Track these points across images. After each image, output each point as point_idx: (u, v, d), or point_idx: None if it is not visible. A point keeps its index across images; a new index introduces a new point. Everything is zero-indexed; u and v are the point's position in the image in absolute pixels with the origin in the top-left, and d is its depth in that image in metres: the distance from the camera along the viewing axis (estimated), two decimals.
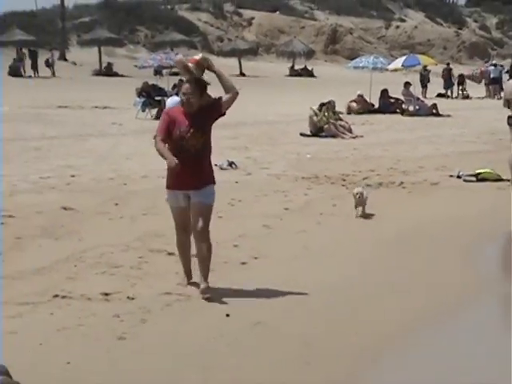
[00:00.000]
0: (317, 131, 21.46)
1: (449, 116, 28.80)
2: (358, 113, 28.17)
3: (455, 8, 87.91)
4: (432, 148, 19.11)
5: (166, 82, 27.81)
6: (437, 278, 8.14)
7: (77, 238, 9.31)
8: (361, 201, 10.88)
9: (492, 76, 41.77)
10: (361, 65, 34.45)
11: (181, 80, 22.68)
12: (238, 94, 7.23)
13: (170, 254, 8.40)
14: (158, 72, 37.30)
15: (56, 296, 7.06)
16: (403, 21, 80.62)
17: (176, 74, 32.69)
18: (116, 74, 51.79)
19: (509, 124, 10.57)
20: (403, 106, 29.91)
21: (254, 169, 15.12)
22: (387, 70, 34.34)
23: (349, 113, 27.88)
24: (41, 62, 50.16)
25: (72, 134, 20.53)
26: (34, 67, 49.82)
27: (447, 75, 42.04)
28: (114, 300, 7.04)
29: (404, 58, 34.23)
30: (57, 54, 55.70)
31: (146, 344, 6.05)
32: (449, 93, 41.71)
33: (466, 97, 41.36)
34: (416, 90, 32.04)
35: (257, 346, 6.09)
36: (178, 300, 7.08)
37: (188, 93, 7.09)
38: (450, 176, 14.52)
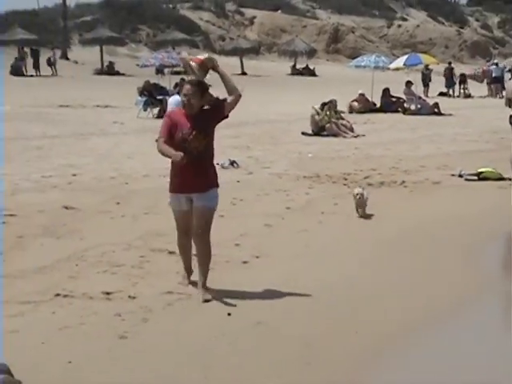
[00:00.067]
0: (318, 130, 21.45)
1: (450, 115, 28.79)
2: (360, 112, 28.15)
3: (457, 7, 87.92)
4: (434, 147, 19.10)
5: (167, 81, 27.81)
6: (438, 278, 8.14)
7: (78, 237, 9.31)
8: (361, 201, 10.85)
9: (494, 75, 41.74)
10: (362, 64, 34.45)
11: (182, 79, 22.67)
12: (240, 96, 7.19)
13: (171, 253, 8.40)
14: (159, 71, 37.33)
15: (58, 295, 7.06)
16: (405, 20, 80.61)
17: (178, 72, 32.75)
18: (118, 73, 51.78)
19: (511, 123, 10.58)
20: (405, 105, 29.89)
21: (256, 168, 15.12)
22: (389, 69, 34.33)
23: (350, 112, 27.87)
24: (42, 61, 50.14)
25: (73, 133, 20.54)
26: (36, 66, 49.80)
27: (449, 74, 42.02)
28: (116, 299, 7.05)
29: (406, 56, 34.21)
30: (58, 52, 55.70)
31: (148, 343, 6.05)
32: (450, 92, 41.69)
33: (468, 96, 41.34)
34: (418, 89, 32.03)
35: (258, 345, 6.10)
36: (180, 299, 7.08)
37: (189, 94, 7.05)
38: (451, 175, 14.51)
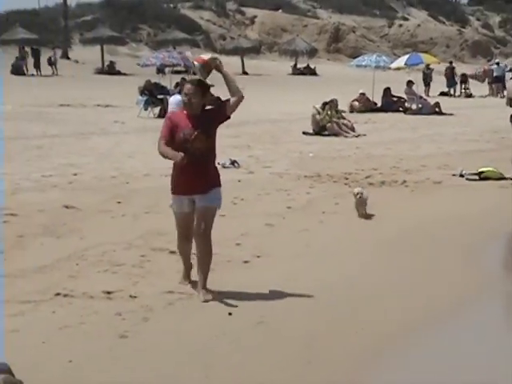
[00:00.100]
0: (319, 130, 21.45)
1: (451, 115, 28.78)
2: (361, 111, 28.15)
3: (458, 6, 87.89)
4: (435, 147, 19.09)
5: (168, 81, 27.79)
6: (438, 278, 8.13)
7: (79, 237, 9.31)
8: (361, 201, 10.81)
9: (495, 75, 41.74)
10: (363, 63, 34.43)
11: (183, 78, 22.68)
12: (243, 98, 7.14)
13: (172, 252, 8.39)
14: (160, 70, 37.34)
15: (58, 294, 7.06)
16: (406, 19, 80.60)
17: (178, 72, 32.79)
18: (118, 73, 51.78)
19: None
20: (406, 104, 29.90)
21: (257, 167, 15.12)
22: (390, 68, 34.31)
23: (351, 111, 27.87)
24: (43, 60, 50.16)
25: (74, 133, 20.53)
26: (37, 66, 49.82)
27: (450, 74, 42.01)
28: (116, 298, 7.04)
29: (407, 56, 34.18)
30: (59, 52, 55.71)
31: (148, 342, 6.04)
32: (451, 91, 41.68)
33: (469, 95, 41.33)
34: (419, 88, 32.02)
35: (259, 344, 6.09)
36: (180, 298, 7.08)
37: (189, 93, 6.99)
38: (452, 175, 14.51)
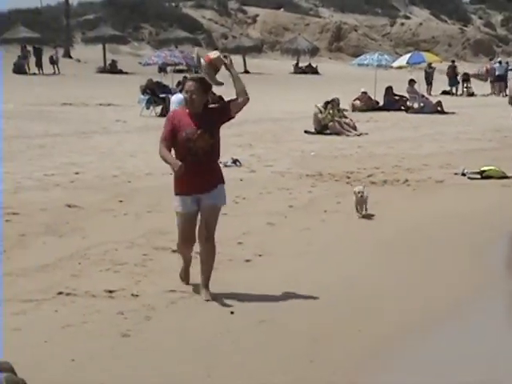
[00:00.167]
0: (321, 129, 21.45)
1: (453, 113, 28.77)
2: (362, 110, 28.14)
3: (460, 5, 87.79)
4: (436, 146, 19.08)
5: (170, 80, 27.80)
6: (438, 279, 8.13)
7: (81, 236, 9.31)
8: (362, 200, 10.71)
9: (497, 73, 41.71)
10: (365, 62, 34.43)
11: (185, 77, 22.68)
12: (248, 100, 7.05)
13: (174, 251, 8.36)
14: (162, 69, 37.32)
15: (60, 293, 7.06)
16: (408, 18, 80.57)
17: (180, 71, 32.78)
18: (120, 72, 51.79)
19: None
20: (408, 103, 29.89)
21: (259, 166, 15.12)
22: (392, 67, 34.30)
23: (353, 110, 27.86)
24: (45, 59, 50.19)
25: (76, 132, 20.54)
26: (39, 64, 49.86)
27: (452, 73, 41.98)
28: (119, 297, 7.04)
29: (409, 55, 34.17)
30: (61, 51, 55.73)
31: (151, 341, 6.05)
32: (453, 90, 41.65)
33: (471, 94, 41.30)
34: (421, 87, 32.00)
35: (261, 343, 6.09)
36: (183, 297, 7.08)
37: (190, 90, 6.92)
38: (454, 174, 14.50)
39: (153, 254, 8.52)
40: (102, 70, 52.54)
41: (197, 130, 6.90)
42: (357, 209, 10.80)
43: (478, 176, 14.11)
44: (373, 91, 29.92)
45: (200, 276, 7.14)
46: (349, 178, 13.95)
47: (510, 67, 43.24)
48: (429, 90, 38.93)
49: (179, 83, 23.38)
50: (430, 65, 39.80)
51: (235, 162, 14.94)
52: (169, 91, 25.88)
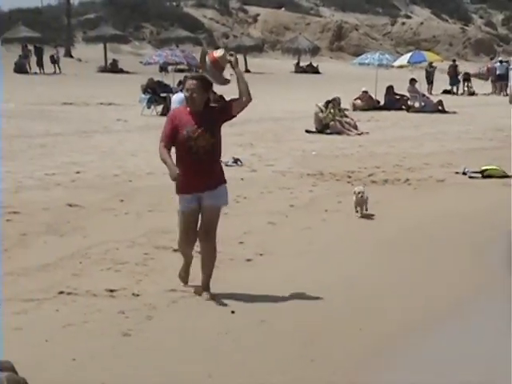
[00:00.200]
0: (322, 128, 21.45)
1: (454, 113, 28.76)
2: (363, 109, 28.14)
3: (461, 4, 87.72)
4: (437, 145, 19.09)
5: (171, 79, 27.81)
6: (439, 278, 8.13)
7: (82, 235, 9.31)
8: (362, 200, 10.67)
9: (498, 73, 41.67)
10: (366, 61, 34.43)
11: (186, 77, 22.68)
12: (251, 100, 6.99)
13: (175, 250, 8.35)
14: (163, 69, 37.35)
15: (61, 292, 7.06)
16: (409, 17, 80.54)
17: (181, 70, 32.79)
18: (121, 71, 51.78)
19: None
20: (409, 102, 29.87)
21: (259, 166, 15.12)
22: (393, 66, 34.30)
23: (354, 109, 27.86)
24: (46, 58, 50.19)
25: (77, 131, 20.54)
26: (40, 64, 49.86)
27: (453, 72, 41.96)
28: (120, 296, 7.04)
29: (410, 54, 34.17)
30: (62, 50, 55.73)
31: (152, 340, 6.05)
32: (454, 89, 41.63)
33: (472, 93, 41.29)
34: (422, 86, 31.98)
35: (262, 342, 6.09)
36: (184, 297, 7.07)
37: (191, 88, 6.89)
38: (455, 173, 14.51)
39: (154, 254, 8.52)
40: (103, 70, 52.52)
41: (197, 129, 6.87)
42: (356, 209, 10.76)
43: (479, 175, 14.11)
44: (374, 90, 29.91)
45: (201, 275, 7.14)
46: (350, 177, 13.96)
47: (510, 66, 43.19)
48: (430, 90, 38.92)
49: (180, 82, 23.36)
50: (430, 64, 39.78)
51: (236, 161, 14.95)
52: (170, 90, 25.89)
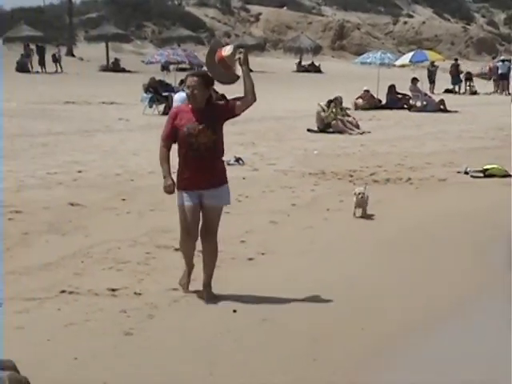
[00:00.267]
0: (324, 127, 21.45)
1: (456, 112, 28.75)
2: (365, 108, 28.13)
3: (463, 3, 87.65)
4: (439, 144, 19.08)
5: (173, 78, 27.81)
6: (440, 277, 8.13)
7: (84, 234, 9.32)
8: (362, 201, 10.60)
9: (500, 72, 41.65)
10: (368, 60, 34.44)
11: (188, 75, 22.68)
12: (255, 100, 6.90)
13: (177, 249, 8.35)
14: (165, 68, 37.38)
15: (63, 292, 7.06)
16: (411, 16, 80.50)
17: (183, 69, 32.79)
18: (123, 70, 51.80)
19: None
20: (411, 101, 29.87)
21: (261, 165, 15.12)
22: (394, 65, 34.31)
23: (356, 109, 27.85)
24: (48, 57, 50.21)
25: (79, 130, 20.55)
26: (42, 63, 49.87)
27: (455, 71, 41.94)
28: (121, 296, 7.04)
29: (411, 53, 34.19)
30: (63, 49, 55.75)
31: (153, 340, 6.05)
32: (456, 89, 41.61)
33: (474, 92, 41.27)
34: (424, 85, 31.98)
35: (264, 342, 6.09)
36: (185, 296, 7.08)
37: (192, 85, 6.86)
38: (457, 172, 14.50)
39: (155, 253, 8.52)
40: (105, 69, 52.52)
41: (198, 125, 6.84)
42: (356, 210, 10.64)
43: (481, 174, 14.11)
44: (376, 89, 29.91)
45: (202, 274, 7.14)
46: (351, 176, 13.95)
47: None
48: (432, 89, 38.91)
49: (182, 82, 23.34)
50: (432, 63, 39.77)
51: (238, 160, 14.95)
52: (171, 90, 25.90)
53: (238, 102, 6.93)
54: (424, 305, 7.15)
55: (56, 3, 69.08)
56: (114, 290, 7.16)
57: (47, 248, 8.68)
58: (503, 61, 43.43)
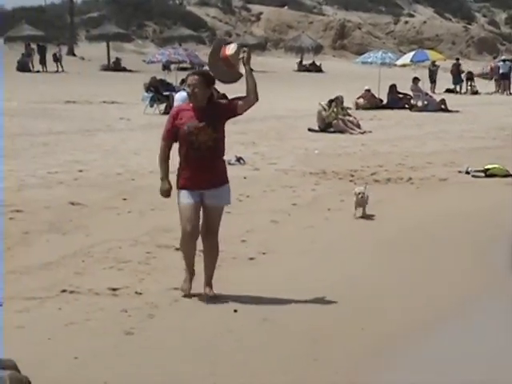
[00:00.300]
0: (325, 127, 21.44)
1: (457, 112, 28.73)
2: (366, 108, 28.12)
3: (464, 3, 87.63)
4: (440, 144, 19.07)
5: (174, 77, 27.81)
6: (441, 277, 8.13)
7: (84, 233, 9.32)
8: (362, 201, 10.55)
9: (501, 71, 41.62)
10: (369, 60, 34.43)
11: (189, 74, 22.67)
12: (257, 100, 6.86)
13: (178, 249, 8.34)
14: (166, 67, 37.41)
15: (64, 291, 7.06)
16: (412, 16, 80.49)
17: (184, 69, 32.78)
18: (124, 69, 51.82)
19: None
20: (412, 101, 29.86)
21: (262, 164, 15.12)
22: (396, 65, 34.30)
23: (357, 108, 27.84)
24: (49, 57, 50.24)
25: (80, 129, 20.55)
26: (43, 62, 49.91)
27: (456, 71, 41.92)
28: (122, 295, 7.04)
29: (413, 53, 34.17)
30: (64, 48, 55.77)
31: (154, 339, 6.04)
32: (457, 88, 41.59)
33: (475, 92, 41.24)
34: (425, 85, 31.96)
35: (264, 342, 6.08)
36: (186, 295, 7.06)
37: (193, 84, 6.83)
38: (458, 172, 14.49)
39: (156, 252, 8.52)
40: (106, 68, 52.54)
41: (199, 123, 6.80)
42: (356, 210, 10.59)
43: (482, 174, 14.10)
44: (377, 89, 29.89)
45: (203, 274, 7.13)
46: (352, 176, 13.95)
47: None
48: (433, 88, 38.89)
49: (183, 81, 23.34)
50: (433, 63, 39.74)
51: (239, 159, 14.95)
52: (172, 89, 25.88)
53: (240, 102, 6.89)
54: (424, 305, 7.14)
55: (57, 2, 69.24)
56: (114, 289, 7.15)
57: (48, 247, 8.68)
58: (504, 60, 43.39)
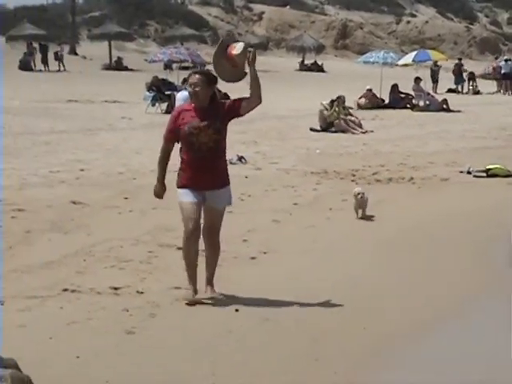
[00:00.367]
0: (327, 126, 21.44)
1: (459, 111, 28.72)
2: (367, 108, 28.12)
3: (466, 3, 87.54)
4: (442, 143, 19.07)
5: (175, 77, 27.81)
6: (442, 277, 8.13)
7: (86, 232, 9.32)
8: (362, 201, 10.48)
9: (503, 71, 41.58)
10: (371, 60, 34.43)
11: (191, 73, 22.67)
12: (260, 102, 6.79)
13: (179, 248, 8.31)
14: (167, 66, 37.39)
15: (65, 290, 7.07)
16: (414, 16, 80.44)
17: (186, 68, 32.78)
18: (126, 68, 51.83)
19: None
20: (413, 101, 29.85)
21: (264, 163, 15.12)
22: (397, 65, 34.27)
23: (358, 108, 27.84)
24: (51, 56, 50.25)
25: (82, 129, 20.56)
26: (45, 61, 49.95)
27: (458, 71, 41.89)
28: (124, 294, 7.05)
29: (414, 53, 34.13)
30: (66, 47, 55.79)
31: (155, 338, 6.05)
32: (459, 88, 41.56)
33: (477, 92, 41.22)
34: (426, 85, 31.95)
35: (265, 341, 6.08)
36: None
37: (194, 83, 6.79)
38: (460, 172, 14.49)
39: (158, 251, 8.53)
40: (108, 67, 52.55)
41: (200, 123, 6.77)
42: (356, 211, 10.53)
43: (484, 174, 14.10)
44: (378, 89, 29.89)
45: (205, 273, 7.12)
46: (354, 175, 13.95)
47: None
48: (435, 88, 38.87)
49: (185, 80, 23.36)
50: (435, 63, 39.71)
51: (240, 159, 14.95)
52: (174, 88, 25.89)
53: (244, 103, 6.84)
54: (423, 305, 7.14)
55: (59, 2, 69.30)
56: (116, 288, 7.16)
57: (49, 246, 8.69)
58: (506, 60, 43.36)
